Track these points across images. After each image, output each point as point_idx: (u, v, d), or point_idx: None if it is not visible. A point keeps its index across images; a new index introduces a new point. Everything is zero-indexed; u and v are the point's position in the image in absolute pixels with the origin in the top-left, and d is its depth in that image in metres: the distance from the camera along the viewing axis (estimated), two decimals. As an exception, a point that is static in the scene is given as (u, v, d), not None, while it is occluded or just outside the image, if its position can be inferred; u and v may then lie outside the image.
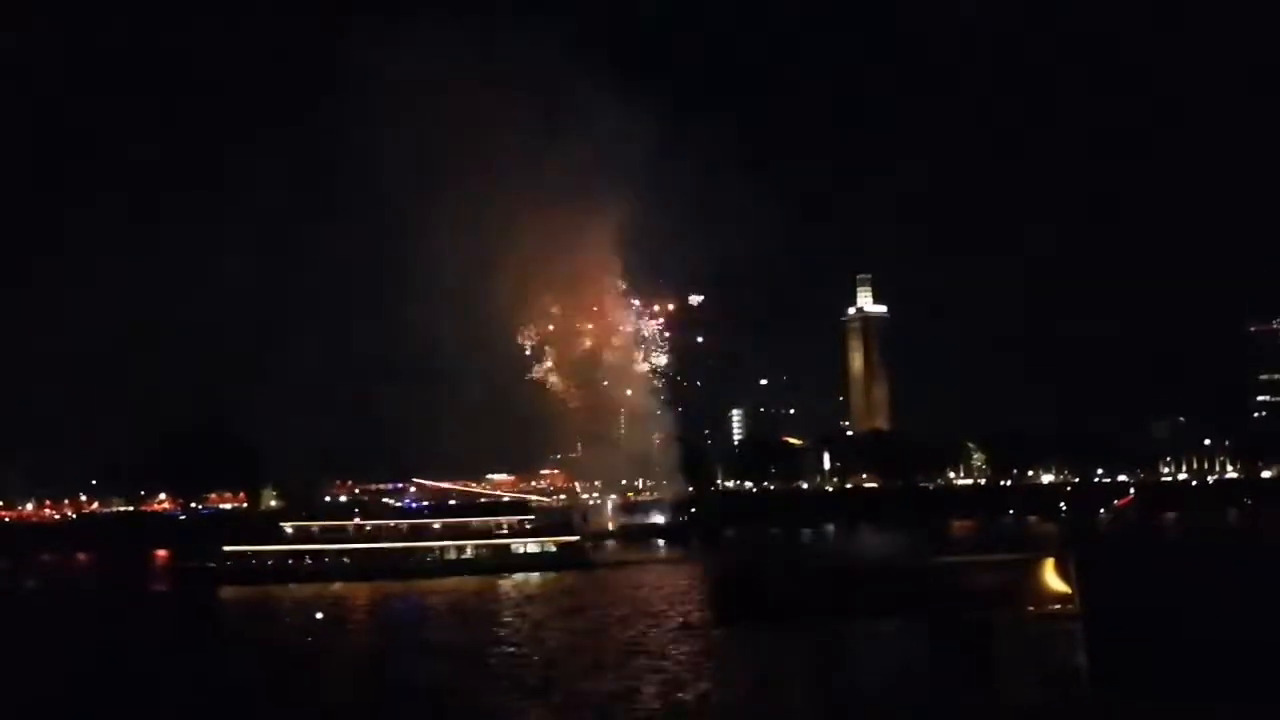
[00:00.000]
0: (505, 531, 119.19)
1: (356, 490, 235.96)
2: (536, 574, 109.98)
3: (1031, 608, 20.13)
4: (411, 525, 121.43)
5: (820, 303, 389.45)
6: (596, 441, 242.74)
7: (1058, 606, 19.92)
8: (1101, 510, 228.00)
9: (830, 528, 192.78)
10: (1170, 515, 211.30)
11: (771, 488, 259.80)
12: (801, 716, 20.51)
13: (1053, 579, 20.16)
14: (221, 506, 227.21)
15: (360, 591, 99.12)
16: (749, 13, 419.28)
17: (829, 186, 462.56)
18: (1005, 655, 21.26)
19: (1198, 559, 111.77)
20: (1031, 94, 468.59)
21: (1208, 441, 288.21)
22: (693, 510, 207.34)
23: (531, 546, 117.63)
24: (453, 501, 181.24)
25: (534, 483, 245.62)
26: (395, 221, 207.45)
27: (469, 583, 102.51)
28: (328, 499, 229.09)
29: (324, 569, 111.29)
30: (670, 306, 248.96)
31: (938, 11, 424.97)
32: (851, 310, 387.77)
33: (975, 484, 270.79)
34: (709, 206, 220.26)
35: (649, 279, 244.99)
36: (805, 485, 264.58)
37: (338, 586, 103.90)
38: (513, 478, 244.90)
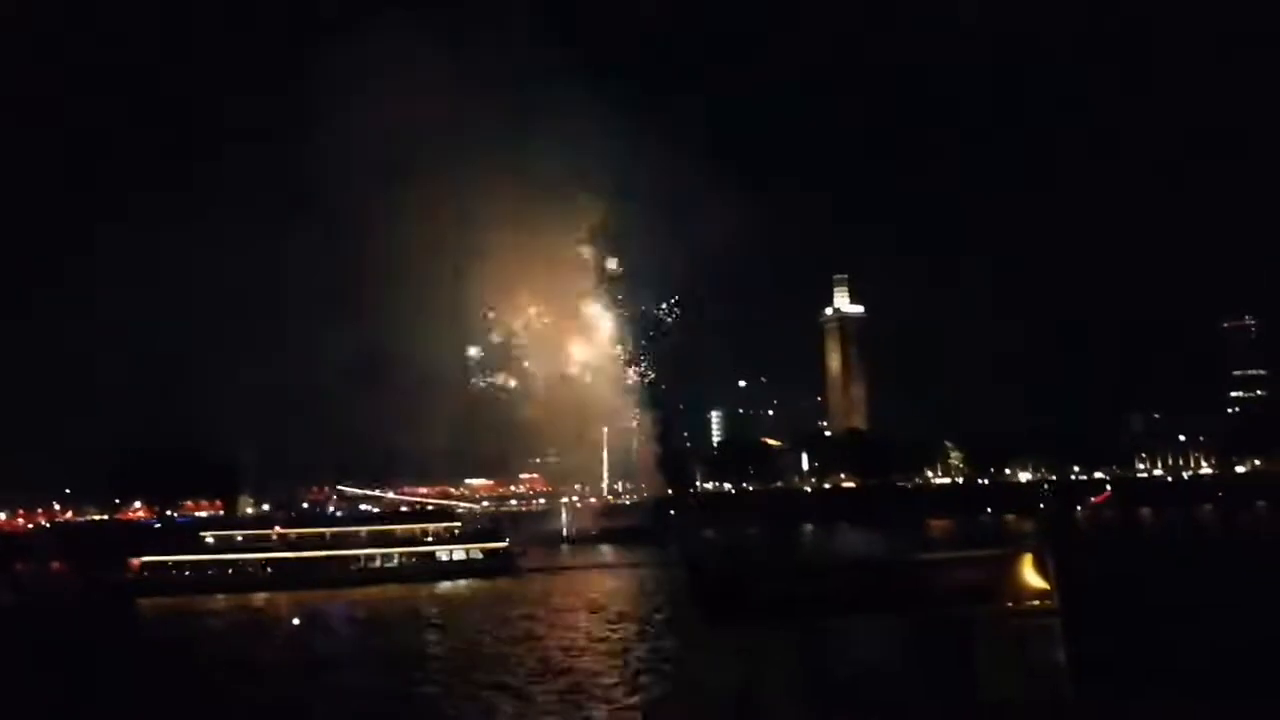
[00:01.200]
0: (432, 539, 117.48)
1: (334, 497, 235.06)
2: (464, 581, 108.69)
3: (1010, 604, 20.17)
4: (335, 534, 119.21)
5: (797, 304, 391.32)
6: (575, 445, 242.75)
7: (1036, 602, 20.01)
8: (1079, 507, 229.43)
9: (809, 528, 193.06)
10: (1146, 511, 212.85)
11: (750, 488, 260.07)
12: (782, 713, 20.43)
13: (1031, 575, 20.20)
14: (198, 514, 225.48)
15: (283, 601, 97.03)
16: (727, 10, 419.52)
17: (804, 187, 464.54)
18: (984, 651, 21.18)
19: (1174, 554, 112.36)
20: (1005, 92, 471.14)
21: (1182, 438, 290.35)
22: (672, 512, 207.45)
23: (458, 554, 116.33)
24: (376, 509, 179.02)
25: (513, 487, 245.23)
26: (367, 224, 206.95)
27: (394, 591, 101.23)
28: (305, 505, 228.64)
29: (246, 579, 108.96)
30: (646, 309, 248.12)
31: (916, 11, 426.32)
32: (828, 311, 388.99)
33: (953, 482, 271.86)
34: (685, 208, 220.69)
35: (625, 281, 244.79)
36: (784, 486, 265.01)
37: (261, 597, 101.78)
38: (491, 482, 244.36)
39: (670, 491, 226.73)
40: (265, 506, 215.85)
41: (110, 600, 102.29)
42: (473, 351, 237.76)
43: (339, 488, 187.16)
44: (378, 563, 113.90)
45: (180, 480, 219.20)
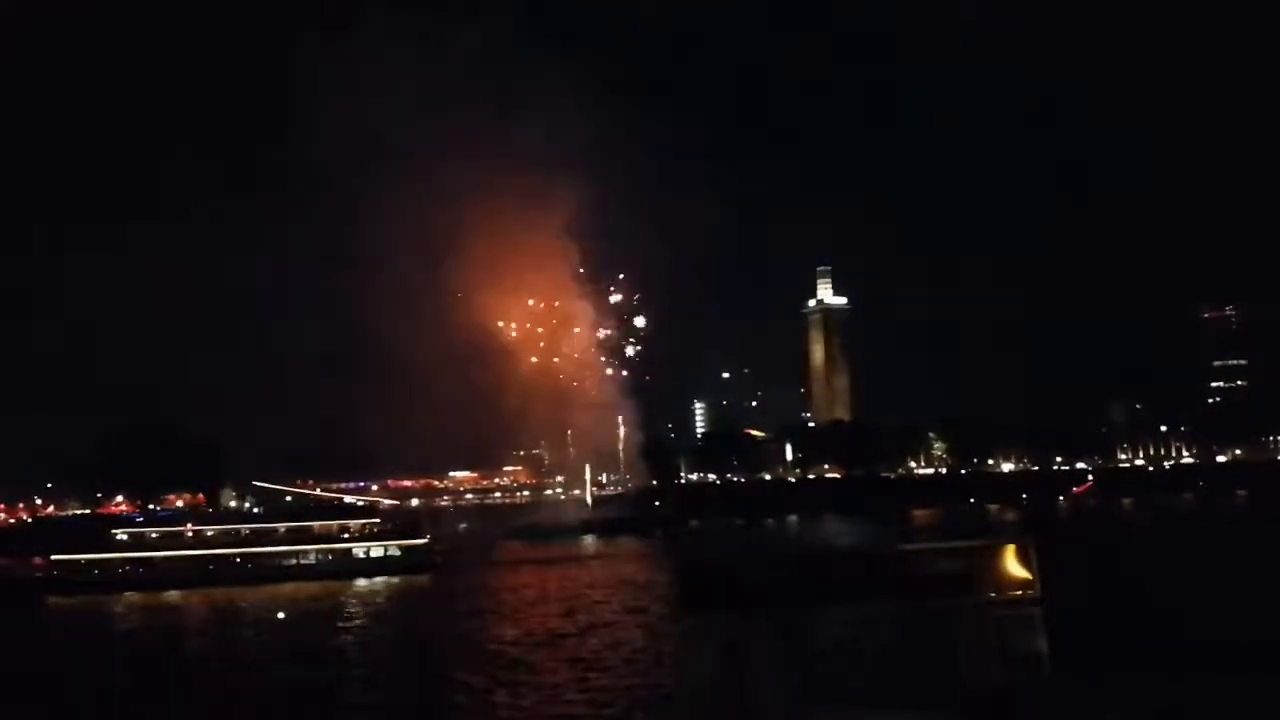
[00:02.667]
0: (350, 536, 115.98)
1: (319, 489, 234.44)
2: (380, 579, 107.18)
3: (993, 594, 20.28)
4: (250, 530, 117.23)
5: (780, 295, 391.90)
6: (558, 437, 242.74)
7: (1019, 592, 20.13)
8: (1061, 497, 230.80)
9: (794, 518, 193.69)
10: (1128, 500, 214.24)
11: (735, 479, 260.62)
12: (766, 701, 20.51)
13: (1013, 565, 20.29)
14: (179, 506, 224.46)
15: (196, 599, 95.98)
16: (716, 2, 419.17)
17: (786, 179, 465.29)
18: (967, 640, 21.30)
19: (1155, 542, 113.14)
20: (989, 87, 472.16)
21: (1164, 427, 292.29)
22: (657, 503, 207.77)
23: (375, 551, 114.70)
24: (289, 500, 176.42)
25: (497, 479, 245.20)
26: (349, 215, 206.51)
27: (309, 588, 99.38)
28: (289, 498, 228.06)
29: (159, 576, 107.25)
30: (631, 299, 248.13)
31: (903, 8, 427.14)
32: (812, 302, 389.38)
33: (936, 472, 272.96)
34: (668, 199, 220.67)
35: (609, 272, 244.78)
36: (768, 477, 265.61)
37: (174, 594, 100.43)
38: (476, 474, 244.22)
39: (655, 483, 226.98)
40: (248, 502, 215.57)
41: (17, 597, 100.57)
42: (458, 342, 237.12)
43: (255, 483, 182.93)
44: (293, 560, 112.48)
45: (162, 474, 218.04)
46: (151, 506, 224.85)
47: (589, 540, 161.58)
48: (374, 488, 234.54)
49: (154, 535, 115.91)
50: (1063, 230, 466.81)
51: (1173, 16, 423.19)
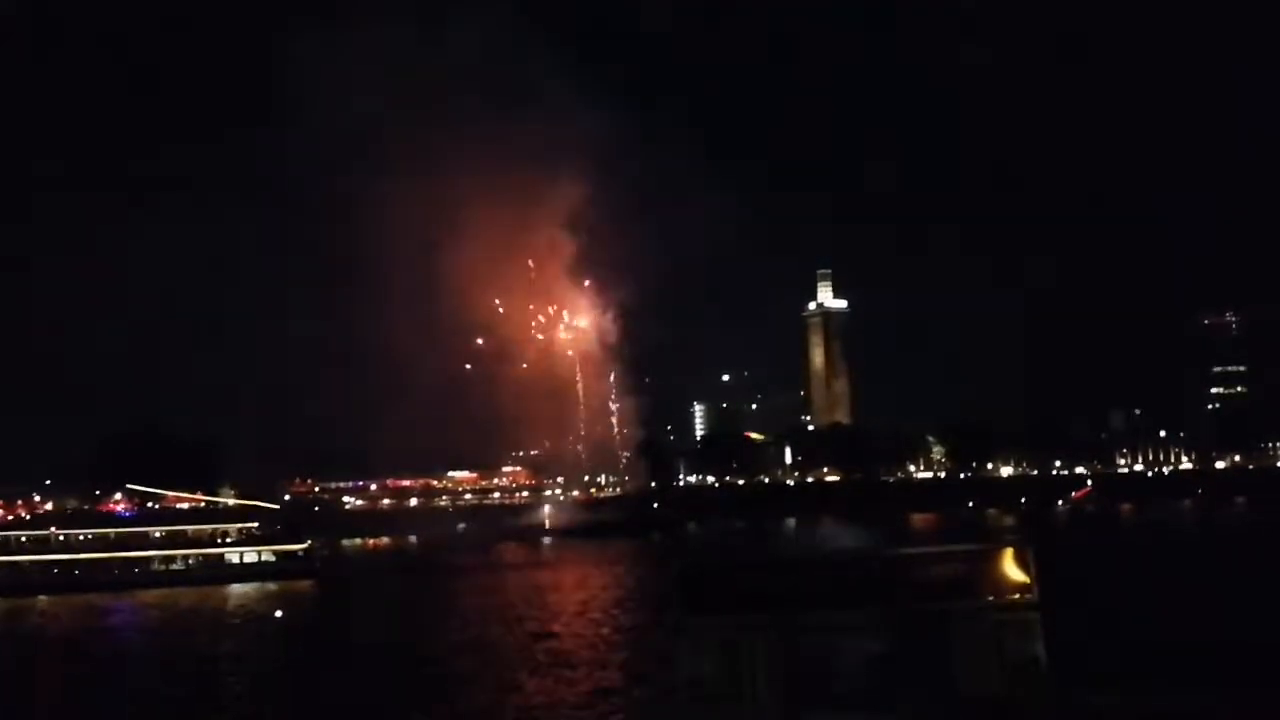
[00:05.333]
0: (230, 540, 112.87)
1: (316, 489, 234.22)
2: (254, 584, 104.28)
3: (991, 597, 20.23)
4: (120, 534, 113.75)
5: (780, 298, 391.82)
6: (558, 438, 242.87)
7: (1017, 596, 20.07)
8: (1060, 502, 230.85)
9: (792, 521, 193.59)
10: (1127, 506, 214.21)
11: (734, 482, 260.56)
12: (765, 705, 20.46)
13: (1012, 569, 20.25)
14: (179, 506, 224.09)
15: (61, 606, 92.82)
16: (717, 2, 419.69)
17: (789, 182, 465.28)
18: (965, 644, 21.24)
19: (1153, 548, 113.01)
20: (987, 87, 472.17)
21: (1163, 433, 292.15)
22: (655, 505, 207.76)
23: (249, 556, 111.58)
24: (159, 506, 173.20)
25: (496, 480, 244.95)
26: (345, 214, 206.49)
27: (183, 595, 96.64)
28: (287, 497, 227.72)
29: (24, 581, 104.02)
30: (630, 302, 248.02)
31: (902, 9, 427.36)
32: (812, 305, 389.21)
33: (935, 477, 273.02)
34: (669, 200, 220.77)
35: (608, 273, 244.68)
36: (767, 479, 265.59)
37: (42, 600, 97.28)
38: (474, 475, 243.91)
39: (653, 485, 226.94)
40: (230, 501, 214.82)
41: None
42: (455, 341, 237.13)
43: (127, 486, 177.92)
44: (164, 565, 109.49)
45: (161, 471, 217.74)
46: (150, 504, 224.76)
47: (584, 542, 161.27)
48: (372, 487, 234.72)
49: (24, 539, 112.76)
50: (1063, 235, 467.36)
51: (1171, 20, 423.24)
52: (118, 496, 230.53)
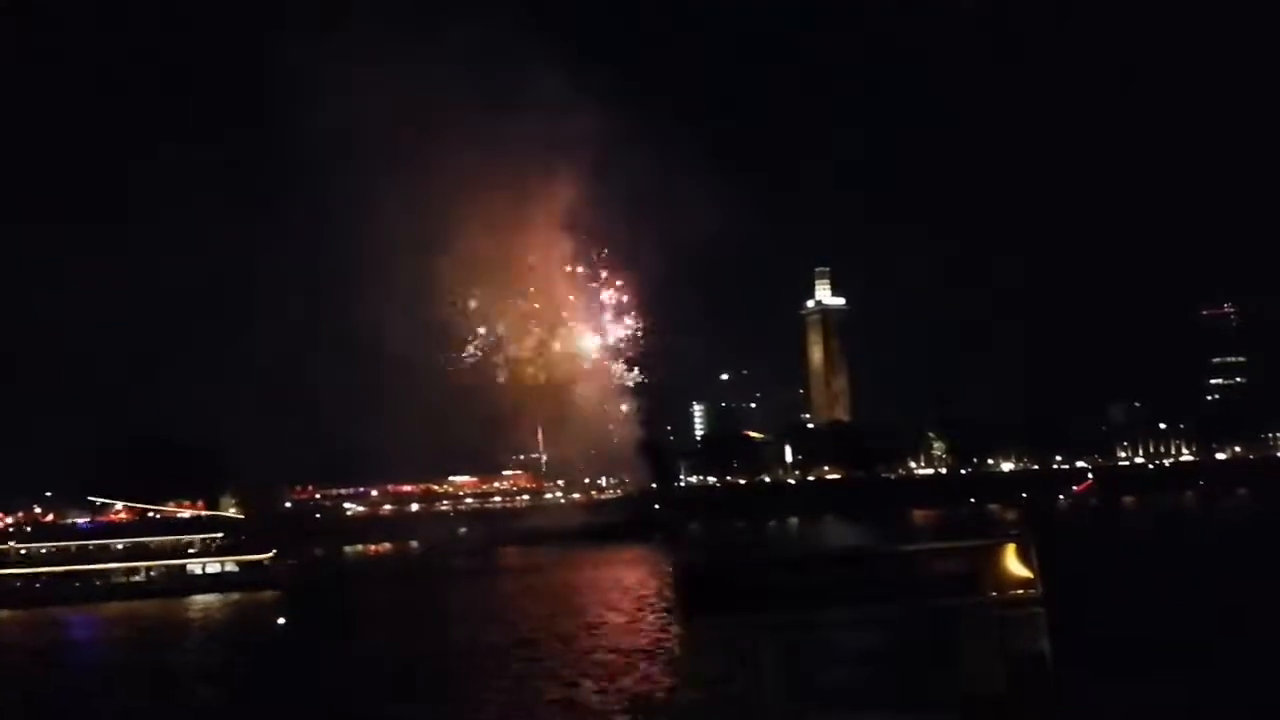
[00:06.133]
0: (193, 551, 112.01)
1: (318, 495, 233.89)
2: (216, 595, 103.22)
3: (994, 593, 20.21)
4: (81, 547, 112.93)
5: (778, 296, 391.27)
6: (558, 440, 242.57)
7: (1020, 591, 20.04)
8: (1061, 496, 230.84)
9: (794, 520, 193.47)
10: (1128, 499, 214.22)
11: (735, 481, 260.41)
12: (766, 703, 20.43)
13: (1015, 564, 20.21)
14: (180, 515, 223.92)
15: (21, 621, 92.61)
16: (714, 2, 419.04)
17: (785, 179, 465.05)
18: (968, 640, 21.22)
19: (1155, 541, 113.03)
20: (988, 84, 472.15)
21: (1163, 425, 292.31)
22: (656, 506, 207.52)
23: (211, 567, 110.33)
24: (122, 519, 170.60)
25: (497, 483, 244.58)
26: (341, 214, 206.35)
27: (143, 607, 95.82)
28: (289, 504, 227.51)
29: None
30: (629, 301, 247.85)
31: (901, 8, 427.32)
32: (810, 303, 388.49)
33: (936, 473, 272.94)
34: (666, 199, 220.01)
35: (607, 273, 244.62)
36: (768, 478, 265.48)
37: (2, 614, 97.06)
38: (476, 479, 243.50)
39: (654, 486, 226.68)
40: (232, 510, 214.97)
41: None
42: (454, 344, 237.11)
43: (89, 498, 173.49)
44: (125, 577, 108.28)
45: (163, 479, 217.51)
46: (152, 514, 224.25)
47: (585, 545, 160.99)
48: (374, 493, 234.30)
49: None
50: (1062, 228, 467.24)
51: (1169, 17, 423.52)
52: (118, 506, 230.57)
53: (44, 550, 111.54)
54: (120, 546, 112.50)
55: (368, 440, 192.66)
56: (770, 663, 20.99)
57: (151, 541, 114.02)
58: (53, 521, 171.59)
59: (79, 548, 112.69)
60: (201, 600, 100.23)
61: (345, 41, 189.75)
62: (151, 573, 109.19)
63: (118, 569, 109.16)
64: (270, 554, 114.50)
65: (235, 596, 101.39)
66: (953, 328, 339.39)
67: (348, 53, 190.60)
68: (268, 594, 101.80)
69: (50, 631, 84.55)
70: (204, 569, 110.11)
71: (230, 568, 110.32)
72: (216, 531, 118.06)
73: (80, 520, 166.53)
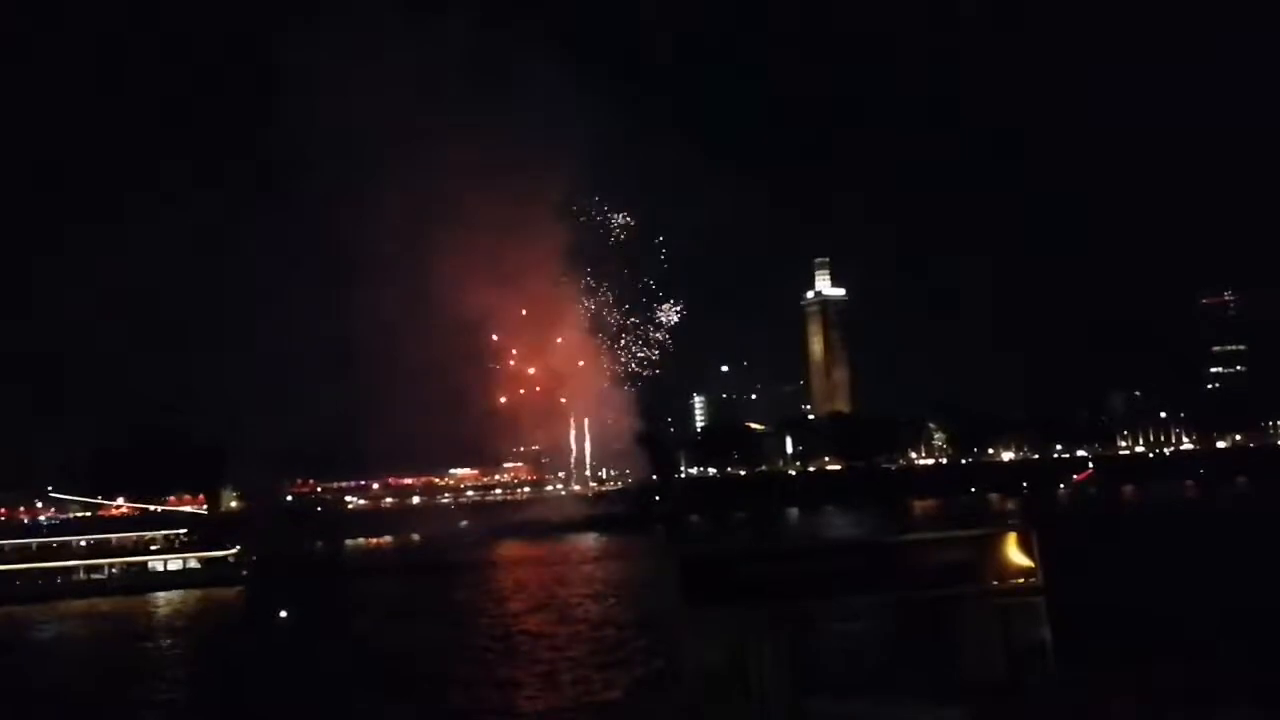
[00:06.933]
0: (156, 548, 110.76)
1: (318, 489, 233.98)
2: (179, 592, 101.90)
3: (995, 582, 20.19)
4: (41, 545, 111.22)
5: (779, 288, 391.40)
6: (559, 433, 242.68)
7: (1021, 581, 20.01)
8: (1061, 485, 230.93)
9: (794, 511, 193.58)
10: (1129, 488, 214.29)
11: (735, 473, 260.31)
12: (767, 693, 20.41)
13: (1016, 553, 20.20)
14: (181, 509, 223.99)
15: None
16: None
17: (785, 171, 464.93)
18: (969, 630, 21.23)
19: (1155, 529, 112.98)
20: (988, 73, 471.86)
21: (1163, 414, 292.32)
22: (657, 498, 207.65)
23: (173, 564, 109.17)
24: (85, 515, 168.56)
25: (497, 476, 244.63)
26: (344, 212, 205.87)
27: (104, 604, 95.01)
28: (289, 498, 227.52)
29: None
30: (629, 294, 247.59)
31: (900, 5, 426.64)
32: (810, 294, 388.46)
33: (937, 463, 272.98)
34: (668, 192, 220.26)
35: (607, 267, 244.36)
36: (768, 470, 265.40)
37: None
38: (476, 471, 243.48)
39: (654, 477, 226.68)
40: (234, 504, 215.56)
41: None
42: (455, 338, 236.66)
43: (51, 494, 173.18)
44: (86, 575, 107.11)
45: (164, 476, 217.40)
46: (153, 509, 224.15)
47: (590, 537, 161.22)
48: (375, 486, 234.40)
49: None
50: (1062, 219, 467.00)
51: (1170, 8, 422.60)
52: (120, 500, 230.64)
53: (5, 547, 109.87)
54: (83, 544, 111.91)
55: (368, 434, 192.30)
56: (771, 653, 20.98)
57: (113, 538, 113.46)
58: (9, 518, 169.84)
59: (40, 545, 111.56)
60: (164, 597, 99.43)
61: (341, 34, 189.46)
62: (113, 570, 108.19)
63: (81, 566, 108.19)
64: (234, 550, 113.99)
65: (197, 593, 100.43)
66: (954, 317, 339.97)
67: (345, 46, 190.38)
68: (230, 591, 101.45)
69: (7, 631, 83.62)
70: (166, 566, 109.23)
71: (193, 564, 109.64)
72: (179, 528, 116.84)
73: (42, 517, 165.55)
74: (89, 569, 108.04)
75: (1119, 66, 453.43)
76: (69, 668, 64.91)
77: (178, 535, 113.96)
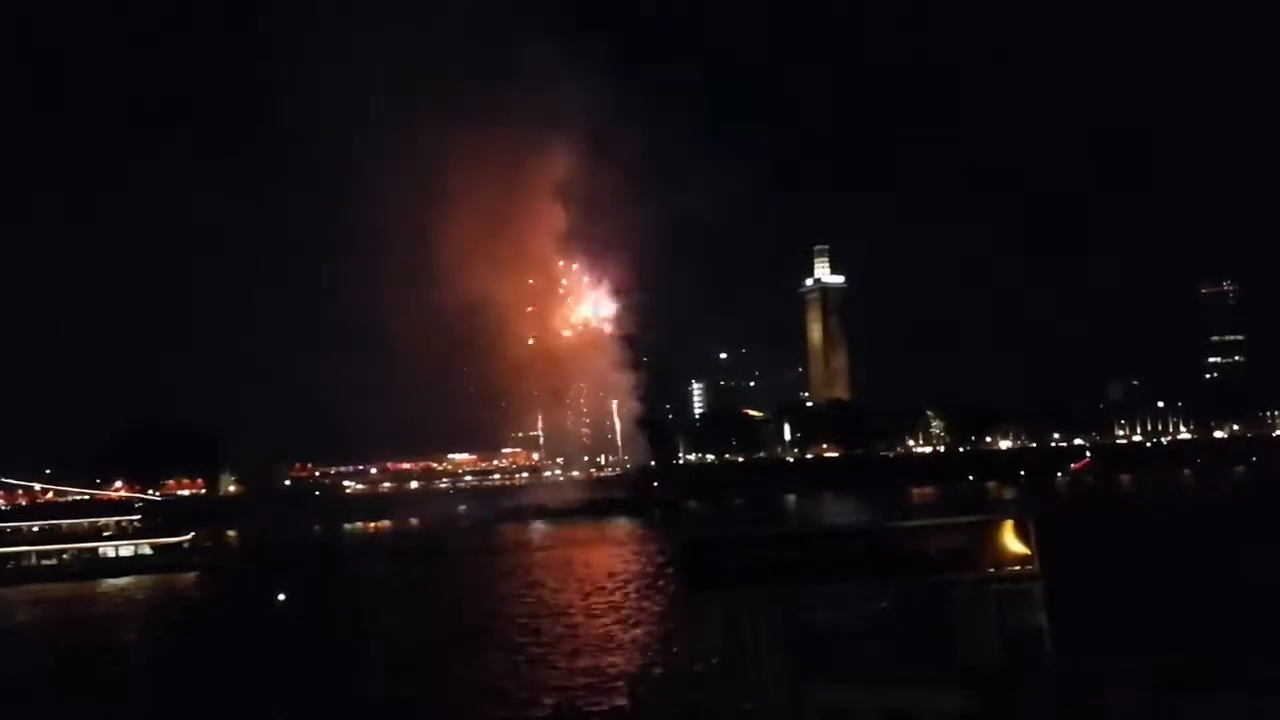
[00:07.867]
0: (108, 534, 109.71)
1: (316, 473, 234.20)
2: (130, 578, 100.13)
3: (991, 569, 20.28)
4: None
5: (778, 274, 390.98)
6: (557, 418, 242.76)
7: (1017, 568, 20.09)
8: (1059, 474, 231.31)
9: (792, 497, 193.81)
10: (1126, 477, 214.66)
11: (734, 459, 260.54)
12: (765, 677, 20.50)
13: (1013, 540, 20.28)
14: (180, 493, 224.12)
15: None
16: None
17: (785, 157, 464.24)
18: (966, 616, 21.34)
19: (1152, 518, 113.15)
20: (990, 66, 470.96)
21: (1161, 403, 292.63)
22: (655, 483, 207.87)
23: (125, 550, 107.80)
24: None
25: (496, 461, 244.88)
26: (341, 195, 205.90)
27: (54, 590, 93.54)
28: (287, 482, 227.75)
29: None
30: (628, 280, 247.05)
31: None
32: (809, 281, 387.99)
33: (934, 451, 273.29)
34: (667, 176, 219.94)
35: (606, 251, 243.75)
36: (766, 456, 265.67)
37: None
38: (474, 456, 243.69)
39: (653, 463, 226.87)
40: (232, 488, 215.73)
41: None
42: (452, 323, 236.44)
43: (1, 479, 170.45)
44: (39, 560, 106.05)
45: (162, 460, 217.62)
46: (151, 492, 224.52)
47: (584, 521, 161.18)
48: (373, 471, 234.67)
49: None
50: (1062, 208, 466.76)
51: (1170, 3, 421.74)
52: (118, 484, 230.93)
53: None
54: (35, 529, 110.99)
55: (366, 419, 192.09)
56: (769, 637, 21.08)
57: (65, 524, 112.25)
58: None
59: None
60: (115, 583, 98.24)
61: (339, 14, 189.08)
62: (65, 555, 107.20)
63: (26, 552, 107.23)
64: (188, 536, 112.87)
65: (149, 580, 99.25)
66: (952, 306, 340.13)
67: (343, 25, 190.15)
68: (186, 577, 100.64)
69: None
70: (118, 552, 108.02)
71: (145, 550, 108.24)
72: (133, 514, 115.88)
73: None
74: (40, 555, 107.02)
75: (1122, 50, 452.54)
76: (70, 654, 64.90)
77: (130, 521, 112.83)
